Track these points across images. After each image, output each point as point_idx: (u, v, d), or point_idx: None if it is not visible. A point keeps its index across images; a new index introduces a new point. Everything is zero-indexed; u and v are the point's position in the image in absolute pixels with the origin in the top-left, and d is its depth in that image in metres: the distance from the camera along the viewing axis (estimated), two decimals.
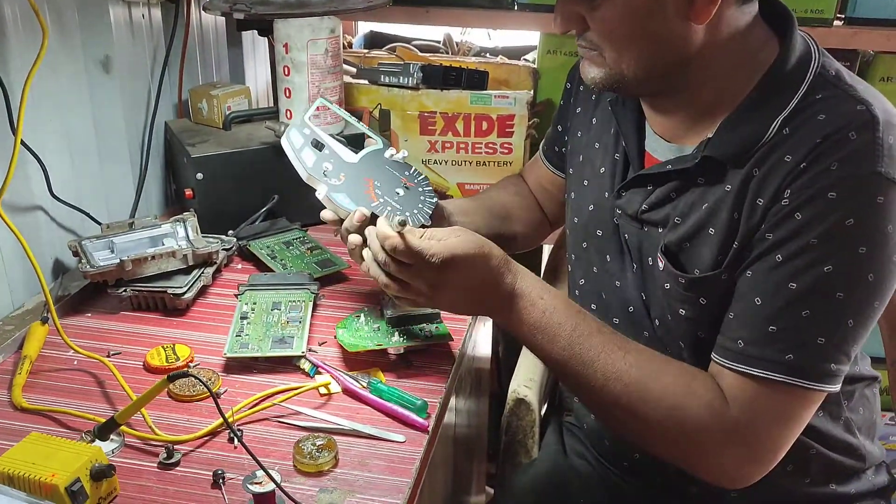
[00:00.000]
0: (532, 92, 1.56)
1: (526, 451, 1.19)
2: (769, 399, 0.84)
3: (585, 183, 1.07)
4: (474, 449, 1.45)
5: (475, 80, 1.52)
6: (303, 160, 1.00)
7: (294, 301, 1.09)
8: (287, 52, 1.28)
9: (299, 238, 1.28)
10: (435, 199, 1.01)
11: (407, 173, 1.02)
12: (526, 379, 1.20)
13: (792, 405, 0.84)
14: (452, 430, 1.18)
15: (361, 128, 1.08)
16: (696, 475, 0.89)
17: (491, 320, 1.47)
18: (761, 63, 0.87)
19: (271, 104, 1.71)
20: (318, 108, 1.13)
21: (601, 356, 0.88)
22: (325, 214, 1.00)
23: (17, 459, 0.75)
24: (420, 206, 0.99)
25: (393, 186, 1.00)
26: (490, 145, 1.54)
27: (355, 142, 1.18)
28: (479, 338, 1.36)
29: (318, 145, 1.02)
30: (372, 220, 0.94)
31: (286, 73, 1.30)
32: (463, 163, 1.56)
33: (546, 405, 1.33)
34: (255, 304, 1.08)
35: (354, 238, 0.95)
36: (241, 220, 1.27)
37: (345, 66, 1.59)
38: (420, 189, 1.00)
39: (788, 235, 0.81)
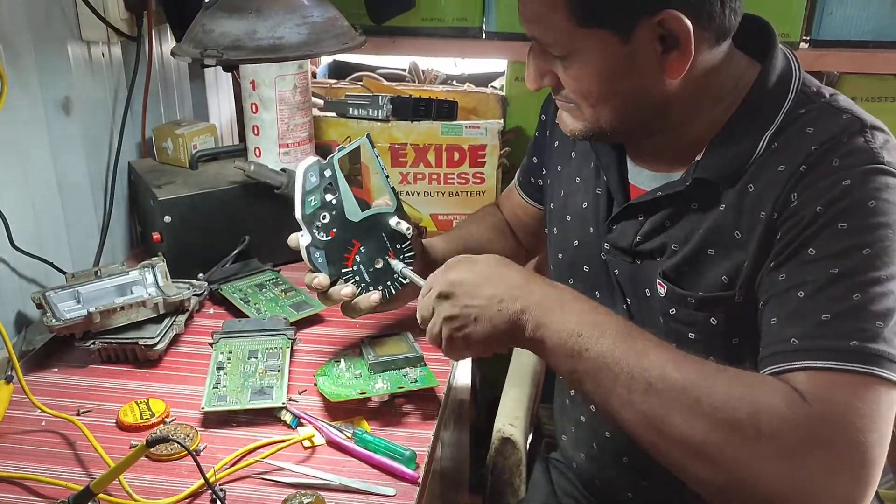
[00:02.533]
0: (502, 120, 1.55)
1: (513, 491, 1.17)
2: (845, 394, 0.74)
3: (568, 218, 1.06)
4: (458, 481, 1.43)
5: (445, 110, 1.51)
6: (306, 202, 0.97)
7: (271, 348, 1.07)
8: (254, 89, 1.26)
9: (272, 280, 1.25)
10: (407, 281, 1.01)
11: (399, 246, 1.01)
12: (511, 417, 1.19)
13: (871, 400, 0.74)
14: (439, 465, 1.16)
15: (386, 183, 1.03)
16: (774, 500, 0.74)
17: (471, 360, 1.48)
18: (743, 87, 0.88)
19: (236, 140, 1.69)
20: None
21: (651, 353, 0.79)
22: (292, 242, 0.99)
23: None
24: (389, 283, 1.01)
25: (376, 256, 1.00)
26: (462, 175, 1.53)
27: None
28: (458, 371, 1.35)
29: (330, 189, 0.98)
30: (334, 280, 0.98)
31: (254, 110, 1.27)
32: (436, 193, 1.55)
33: (530, 437, 1.32)
34: (230, 352, 1.06)
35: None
36: (212, 262, 1.24)
37: (314, 99, 1.57)
38: (400, 267, 1.00)
39: (816, 229, 0.79)
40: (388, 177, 1.03)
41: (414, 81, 1.75)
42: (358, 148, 1.03)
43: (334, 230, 0.98)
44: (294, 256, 1.00)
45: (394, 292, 1.01)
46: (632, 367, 0.79)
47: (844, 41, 1.47)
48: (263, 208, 1.26)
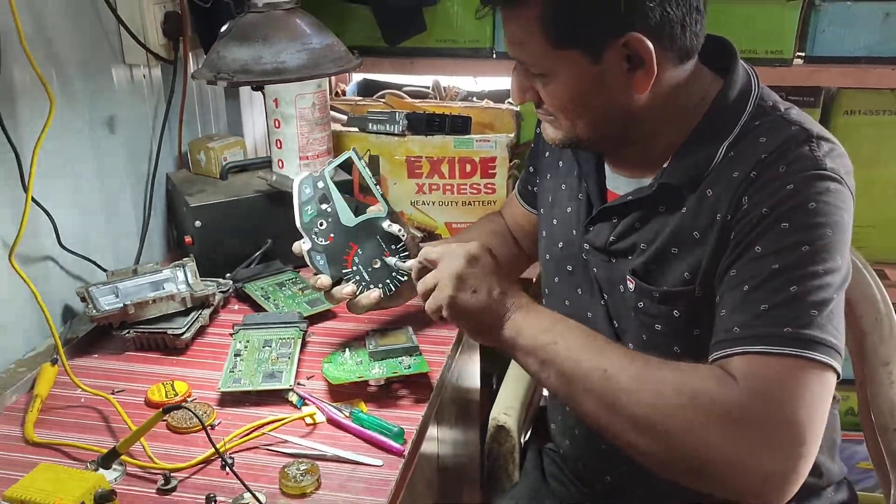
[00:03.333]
0: (513, 134, 1.66)
1: (508, 476, 1.27)
2: (777, 374, 0.83)
3: (555, 222, 1.17)
4: (465, 477, 1.53)
5: (458, 125, 1.62)
6: (303, 211, 1.10)
7: (284, 338, 1.19)
8: (277, 107, 1.39)
9: (292, 279, 1.38)
10: (405, 278, 1.12)
11: (394, 247, 1.12)
12: (506, 407, 1.28)
13: (802, 381, 0.82)
14: (436, 460, 1.26)
15: (375, 190, 1.15)
16: (708, 479, 0.84)
17: (478, 359, 1.57)
18: (707, 101, 0.97)
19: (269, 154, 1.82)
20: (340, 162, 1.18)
21: (608, 349, 0.91)
22: (295, 249, 1.11)
23: (29, 487, 0.84)
24: (388, 280, 1.11)
25: (373, 257, 1.11)
26: (474, 186, 1.64)
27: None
28: (464, 370, 1.45)
29: (325, 199, 1.10)
30: (337, 281, 1.10)
31: (276, 125, 1.41)
32: (449, 203, 1.66)
33: (529, 433, 1.41)
34: (248, 342, 1.18)
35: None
36: (238, 263, 1.38)
37: (337, 115, 1.70)
38: (397, 266, 1.11)
39: (762, 230, 0.88)
40: (376, 184, 1.14)
41: (436, 98, 1.87)
42: (349, 160, 1.14)
43: (332, 235, 1.10)
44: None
45: (393, 289, 1.12)
46: (591, 356, 0.90)
47: (838, 57, 1.54)
48: (285, 215, 1.37)
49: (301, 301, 1.31)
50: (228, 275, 1.36)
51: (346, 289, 1.11)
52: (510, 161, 1.64)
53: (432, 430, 1.21)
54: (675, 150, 0.98)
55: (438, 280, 0.99)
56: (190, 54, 1.47)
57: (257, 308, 1.32)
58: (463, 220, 1.66)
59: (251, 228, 1.40)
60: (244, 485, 0.87)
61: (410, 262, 1.06)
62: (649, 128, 0.98)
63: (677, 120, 0.97)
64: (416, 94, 1.86)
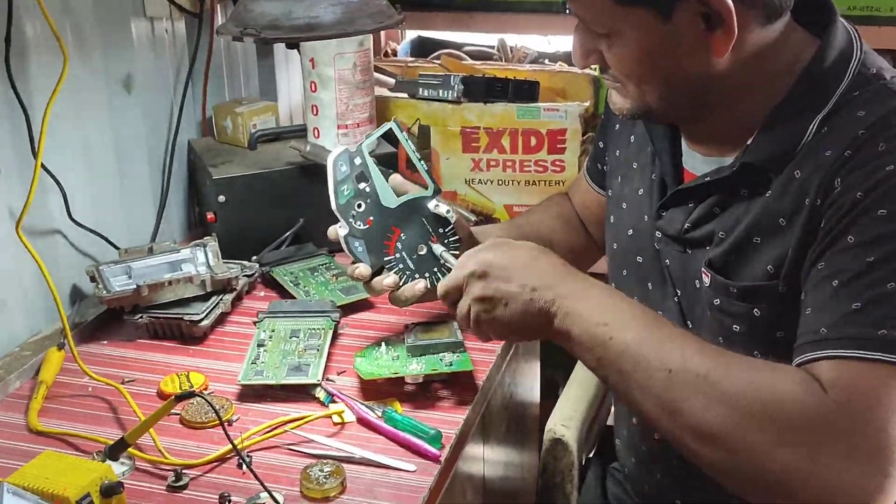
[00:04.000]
0: (589, 103, 1.71)
1: (564, 495, 1.32)
2: (870, 381, 0.86)
3: (624, 206, 1.22)
4: (518, 500, 1.58)
5: (524, 91, 1.68)
6: (339, 192, 1.15)
7: (314, 329, 1.27)
8: (314, 68, 1.48)
9: (325, 264, 1.46)
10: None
11: (441, 231, 1.17)
12: (564, 418, 1.34)
13: None
14: (482, 483, 1.32)
15: (419, 166, 1.18)
16: (782, 498, 0.89)
17: (538, 366, 1.62)
18: (799, 67, 1.00)
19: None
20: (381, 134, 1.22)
21: (672, 341, 0.95)
22: (331, 234, 1.17)
23: (31, 475, 0.94)
24: (435, 269, 1.16)
25: (419, 242, 1.17)
26: (540, 163, 1.70)
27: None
28: (519, 375, 1.51)
29: (363, 177, 1.16)
30: (378, 270, 1.15)
31: (313, 88, 1.50)
32: (510, 182, 1.73)
33: (593, 451, 1.46)
34: (273, 331, 1.27)
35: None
36: (266, 244, 1.47)
37: (384, 78, 1.78)
38: (443, 258, 1.16)
39: (855, 215, 0.90)
40: (420, 160, 1.20)
41: (501, 60, 1.93)
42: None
43: (371, 218, 1.15)
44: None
45: (440, 279, 1.16)
46: (653, 354, 0.94)
47: None
48: (321, 191, 1.44)
49: (334, 288, 1.40)
50: (255, 257, 1.45)
51: (388, 279, 1.16)
52: (583, 134, 1.69)
53: (477, 449, 1.28)
54: (761, 124, 1.01)
55: (468, 312, 1.05)
56: (218, 6, 1.56)
57: (285, 295, 1.40)
58: (524, 202, 1.72)
59: (282, 205, 1.48)
60: (261, 483, 0.96)
61: (454, 260, 1.13)
62: (730, 98, 1.02)
63: (763, 89, 1.01)
64: (478, 56, 1.93)
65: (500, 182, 1.73)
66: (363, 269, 1.16)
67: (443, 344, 1.20)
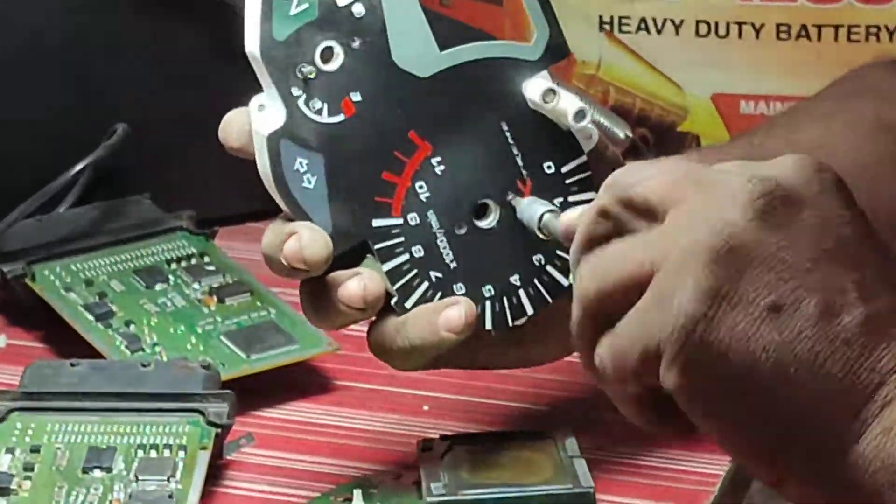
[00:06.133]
0: None
1: None
2: None
3: None
4: None
5: None
6: (277, 8, 0.60)
7: (156, 444, 0.81)
8: None
9: (188, 257, 0.82)
10: (568, 283, 0.66)
11: (553, 167, 0.63)
12: None
13: None
14: None
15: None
16: None
17: None
18: None
19: None
20: None
21: None
22: (231, 126, 0.59)
23: None
24: (528, 269, 0.63)
25: (480, 191, 0.64)
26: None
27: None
28: None
29: None
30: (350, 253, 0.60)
31: None
32: (741, 37, 0.96)
33: None
34: (36, 448, 0.81)
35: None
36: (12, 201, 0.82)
37: None
38: (542, 211, 0.60)
39: None
40: None
41: None
42: None
43: (354, 98, 0.60)
44: (255, 196, 0.63)
45: (530, 306, 0.60)
46: None
47: None
48: (178, 52, 0.89)
49: (216, 331, 0.76)
50: None
51: (373, 283, 0.57)
52: None
53: None
54: None
55: (660, 267, 0.46)
56: None
57: (72, 348, 0.81)
58: (774, 90, 0.96)
59: (57, 94, 0.91)
60: None
61: (573, 213, 0.56)
62: None
63: None
64: None
65: (706, 37, 0.98)
66: (312, 241, 0.58)
67: (539, 498, 0.60)
